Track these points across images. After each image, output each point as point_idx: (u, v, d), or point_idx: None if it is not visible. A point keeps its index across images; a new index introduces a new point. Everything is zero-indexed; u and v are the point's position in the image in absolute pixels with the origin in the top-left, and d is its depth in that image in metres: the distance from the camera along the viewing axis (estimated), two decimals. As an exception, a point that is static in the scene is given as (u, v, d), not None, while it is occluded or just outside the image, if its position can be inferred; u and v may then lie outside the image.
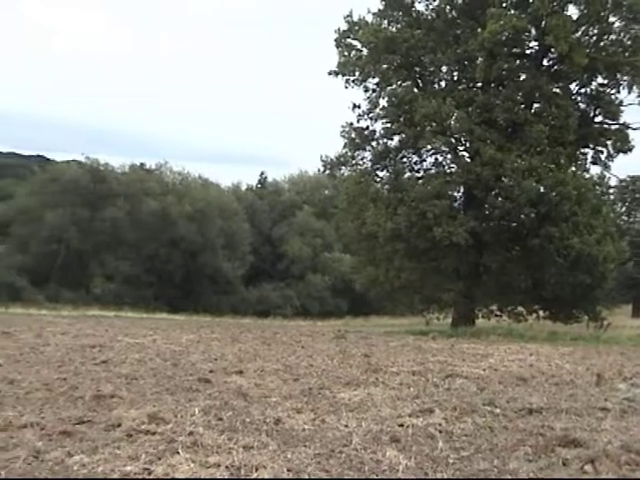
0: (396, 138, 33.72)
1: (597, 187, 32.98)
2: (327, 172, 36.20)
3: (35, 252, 74.13)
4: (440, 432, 8.45)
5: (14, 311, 38.69)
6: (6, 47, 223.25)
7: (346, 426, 8.64)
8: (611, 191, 35.11)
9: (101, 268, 75.21)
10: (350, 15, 33.63)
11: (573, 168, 31.49)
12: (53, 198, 76.70)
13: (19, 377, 11.89)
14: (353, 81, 33.59)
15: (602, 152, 33.47)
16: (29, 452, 6.99)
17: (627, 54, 30.96)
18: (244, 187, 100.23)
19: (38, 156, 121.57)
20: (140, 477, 6.32)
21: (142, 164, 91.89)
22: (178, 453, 6.99)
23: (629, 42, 31.04)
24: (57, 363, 13.98)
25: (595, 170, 34.23)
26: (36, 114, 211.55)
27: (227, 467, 6.55)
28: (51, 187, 78.06)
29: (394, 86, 33.03)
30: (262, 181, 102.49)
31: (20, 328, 22.66)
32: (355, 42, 33.57)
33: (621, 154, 33.03)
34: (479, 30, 29.78)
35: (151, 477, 6.33)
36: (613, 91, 32.73)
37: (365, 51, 33.19)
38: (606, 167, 33.94)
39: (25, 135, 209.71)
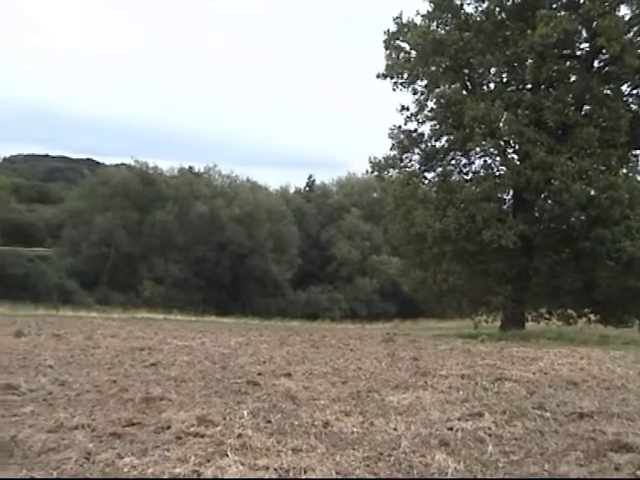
0: (444, 140, 33.57)
1: (649, 190, 32.54)
2: (375, 174, 36.07)
3: (85, 255, 75.13)
4: (490, 436, 8.41)
5: (64, 313, 39.03)
6: (57, 51, 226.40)
7: (395, 429, 8.63)
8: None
9: (150, 271, 75.93)
10: (400, 17, 33.42)
11: (624, 170, 31.09)
12: (103, 201, 77.81)
13: (70, 379, 12.03)
14: (401, 83, 33.43)
15: (654, 154, 33.09)
16: (80, 453, 7.10)
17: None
18: (292, 190, 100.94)
19: (88, 160, 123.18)
20: (189, 479, 6.36)
21: (191, 167, 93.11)
22: (227, 455, 7.04)
23: (681, 43, 30.63)
24: (107, 365, 14.12)
25: (646, 173, 33.81)
26: (86, 118, 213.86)
27: (276, 469, 6.59)
28: (101, 190, 79.22)
29: (442, 88, 32.88)
30: (310, 184, 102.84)
31: (71, 330, 22.87)
32: (404, 44, 33.35)
33: (673, 156, 32.69)
34: (528, 32, 29.49)
35: (200, 479, 6.37)
36: (665, 93, 32.35)
37: (413, 53, 33.03)
38: (658, 170, 33.52)
39: (75, 138, 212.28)
